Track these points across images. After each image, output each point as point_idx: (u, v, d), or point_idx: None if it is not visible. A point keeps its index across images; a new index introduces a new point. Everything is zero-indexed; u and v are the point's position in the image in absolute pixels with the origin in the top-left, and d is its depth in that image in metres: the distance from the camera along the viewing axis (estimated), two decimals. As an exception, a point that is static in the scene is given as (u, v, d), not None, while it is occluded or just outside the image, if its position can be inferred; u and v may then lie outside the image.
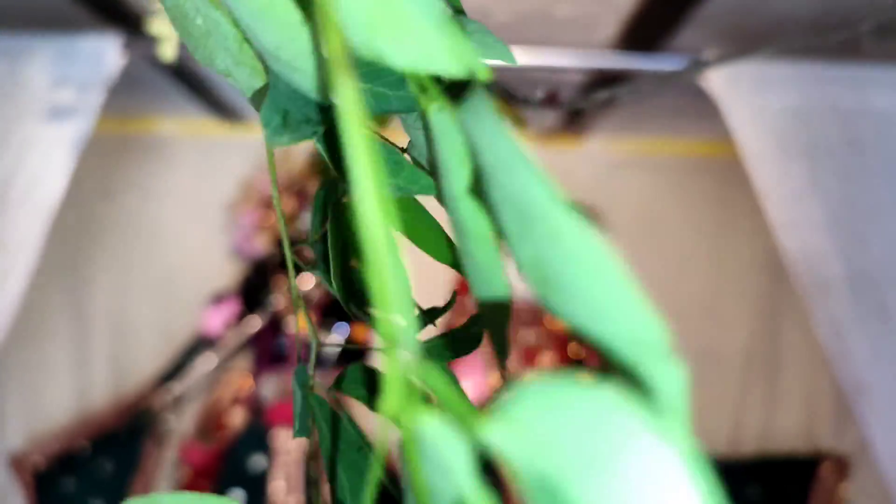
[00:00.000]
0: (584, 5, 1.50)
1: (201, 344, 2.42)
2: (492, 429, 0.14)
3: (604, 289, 0.15)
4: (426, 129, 0.22)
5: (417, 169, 0.29)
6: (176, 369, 2.40)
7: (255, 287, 2.37)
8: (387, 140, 0.30)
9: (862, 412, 1.53)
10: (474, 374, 2.21)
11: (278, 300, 2.33)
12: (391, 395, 0.16)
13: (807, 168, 1.53)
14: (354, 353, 2.36)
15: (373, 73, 0.25)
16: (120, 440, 2.31)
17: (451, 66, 0.17)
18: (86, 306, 2.46)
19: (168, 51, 1.10)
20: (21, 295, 1.59)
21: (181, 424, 2.45)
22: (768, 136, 1.54)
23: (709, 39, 1.62)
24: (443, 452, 0.15)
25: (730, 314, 2.53)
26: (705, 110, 1.83)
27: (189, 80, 2.07)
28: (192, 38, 0.24)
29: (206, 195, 2.56)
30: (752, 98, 1.55)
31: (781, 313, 2.48)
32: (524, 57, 1.65)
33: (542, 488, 0.14)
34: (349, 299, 0.34)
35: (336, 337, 2.34)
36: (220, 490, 2.19)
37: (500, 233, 0.21)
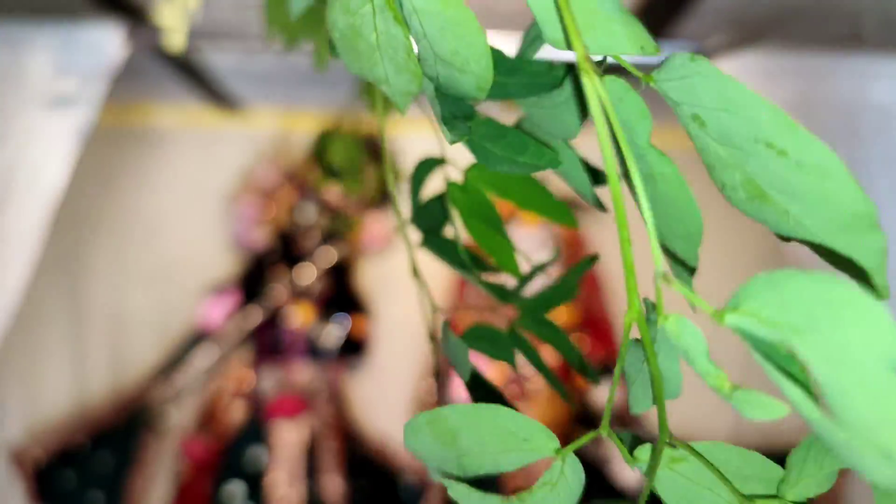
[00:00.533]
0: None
1: (201, 336, 2.42)
2: (733, 314, 0.20)
3: (831, 183, 0.21)
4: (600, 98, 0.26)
5: (541, 145, 0.33)
6: (175, 362, 2.41)
7: (254, 279, 2.37)
8: (502, 124, 0.33)
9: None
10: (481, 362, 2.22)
11: (278, 292, 2.33)
12: (632, 307, 0.24)
13: (809, 159, 1.55)
14: (352, 346, 2.37)
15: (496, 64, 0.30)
16: (119, 434, 2.32)
17: (632, 47, 0.24)
18: (83, 298, 2.45)
19: (177, 41, 1.10)
20: (23, 286, 1.59)
21: (180, 418, 2.45)
22: (771, 127, 1.56)
23: (712, 29, 1.63)
24: (685, 340, 0.21)
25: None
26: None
27: (188, 69, 2.07)
28: (356, 50, 0.28)
29: (206, 186, 2.56)
30: (755, 90, 1.56)
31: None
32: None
33: (771, 352, 0.19)
34: (467, 264, 0.38)
35: (338, 328, 2.34)
36: (220, 483, 2.20)
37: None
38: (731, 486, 0.28)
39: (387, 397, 2.50)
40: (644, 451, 0.29)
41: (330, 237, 2.42)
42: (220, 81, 2.19)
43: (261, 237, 2.40)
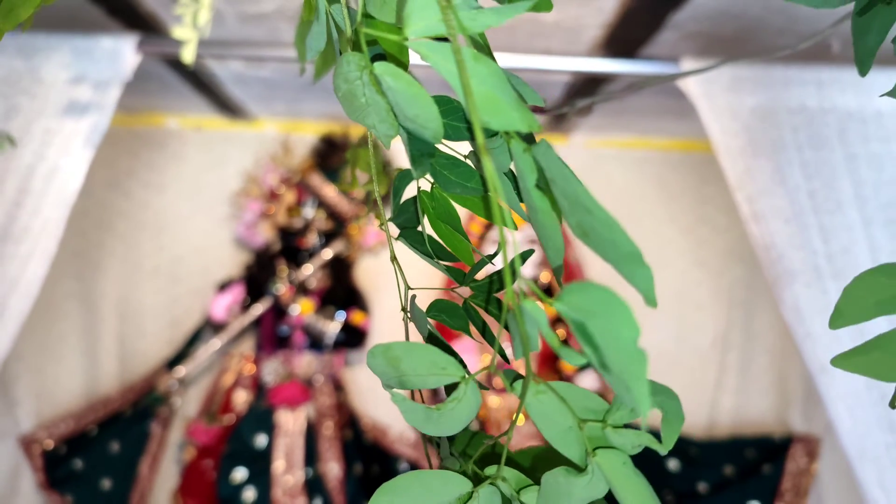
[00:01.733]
0: (570, 10, 1.62)
1: (207, 329, 2.53)
2: (557, 302, 0.32)
3: (613, 234, 0.32)
4: (510, 151, 0.40)
5: (480, 176, 0.47)
6: (182, 353, 2.51)
7: (258, 274, 2.47)
8: (458, 156, 0.45)
9: (825, 389, 1.65)
10: (470, 357, 2.32)
11: (281, 287, 2.44)
12: (509, 291, 0.35)
13: (775, 163, 1.65)
14: (351, 338, 2.47)
15: (447, 113, 0.44)
16: (127, 421, 2.41)
17: (523, 126, 0.35)
18: (95, 293, 2.55)
19: (188, 54, 1.21)
20: (42, 279, 1.69)
21: (186, 406, 2.55)
22: (739, 133, 1.66)
23: (686, 42, 1.74)
24: (534, 314, 0.32)
25: (707, 303, 2.65)
26: (684, 110, 1.95)
27: (196, 78, 2.17)
28: (353, 106, 0.42)
29: (211, 187, 2.66)
30: (725, 97, 1.67)
31: (755, 303, 2.61)
32: (515, 61, 1.78)
33: (577, 328, 0.31)
34: (433, 254, 0.52)
35: (337, 321, 2.45)
36: (225, 468, 2.30)
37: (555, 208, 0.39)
38: (572, 411, 0.42)
39: (382, 388, 2.60)
40: (519, 385, 0.42)
41: (329, 235, 2.52)
42: (225, 89, 2.30)
43: (264, 235, 2.50)
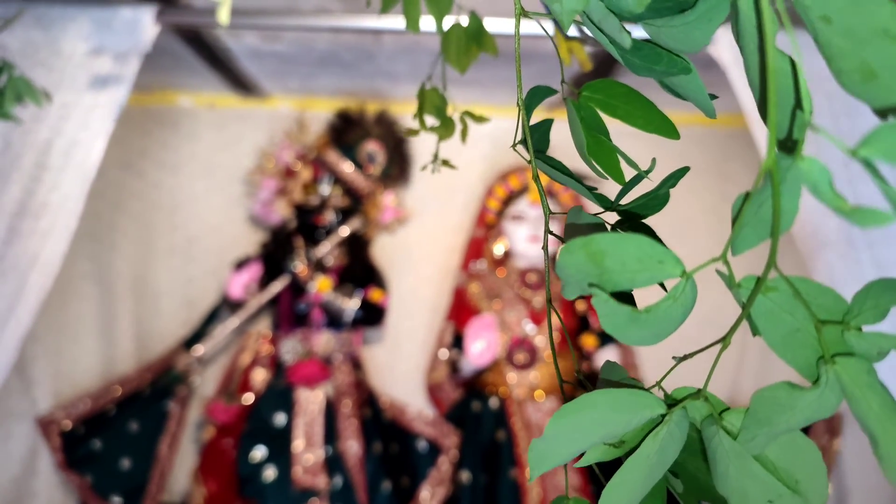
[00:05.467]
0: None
1: (224, 307, 2.51)
2: (863, 150, 0.27)
3: None
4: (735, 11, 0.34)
5: (674, 56, 0.42)
6: (199, 332, 2.48)
7: (275, 252, 2.44)
8: (642, 41, 0.41)
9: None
10: (489, 333, 2.30)
11: (298, 265, 2.41)
12: (770, 157, 0.29)
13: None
14: (369, 316, 2.45)
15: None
16: (145, 401, 2.39)
17: None
18: (110, 273, 2.53)
19: (224, 15, 1.18)
20: (62, 255, 1.66)
21: (204, 385, 2.54)
22: (772, 101, 1.63)
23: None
24: (815, 176, 0.29)
25: (730, 278, 2.61)
26: (707, 83, 1.91)
27: (210, 53, 2.13)
28: None
29: (225, 166, 2.63)
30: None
31: (779, 278, 2.58)
32: (532, 27, 1.73)
33: (882, 179, 0.26)
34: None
35: (355, 299, 2.42)
36: (244, 447, 2.28)
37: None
38: (810, 311, 0.35)
39: (400, 366, 2.59)
40: (749, 280, 0.37)
41: (346, 212, 2.49)
42: (239, 64, 2.26)
43: (280, 212, 2.47)
